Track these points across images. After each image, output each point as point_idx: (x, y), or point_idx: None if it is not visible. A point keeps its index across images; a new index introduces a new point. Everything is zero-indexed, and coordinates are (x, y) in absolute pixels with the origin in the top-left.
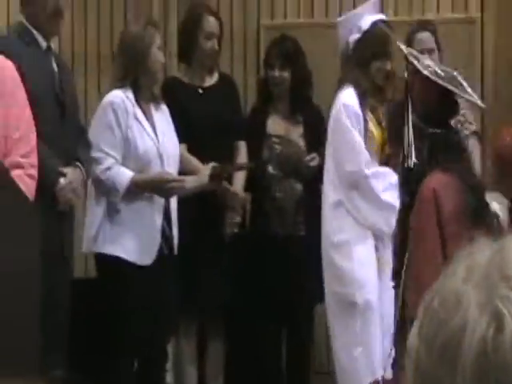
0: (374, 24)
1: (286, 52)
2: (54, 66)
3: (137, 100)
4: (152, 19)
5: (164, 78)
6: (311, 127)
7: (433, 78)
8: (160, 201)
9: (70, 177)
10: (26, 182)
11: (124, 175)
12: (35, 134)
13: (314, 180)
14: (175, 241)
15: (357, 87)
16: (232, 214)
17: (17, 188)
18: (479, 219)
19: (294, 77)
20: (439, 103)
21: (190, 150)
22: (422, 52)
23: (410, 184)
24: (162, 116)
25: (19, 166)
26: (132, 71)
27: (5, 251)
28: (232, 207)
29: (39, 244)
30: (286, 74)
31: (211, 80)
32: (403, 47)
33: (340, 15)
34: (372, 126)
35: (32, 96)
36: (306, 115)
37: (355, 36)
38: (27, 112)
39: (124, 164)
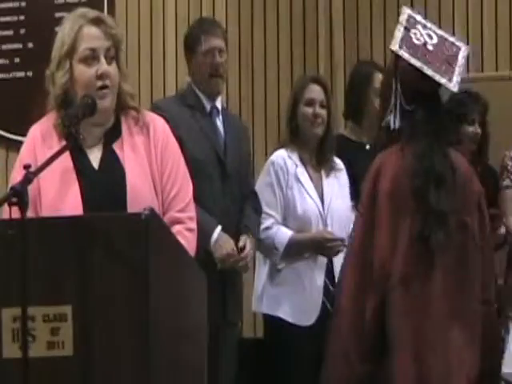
0: None
1: (484, 108)
2: (220, 126)
3: (302, 160)
4: (318, 77)
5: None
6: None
7: (412, 60)
8: (323, 260)
9: (247, 248)
10: (186, 236)
11: (283, 234)
12: (191, 187)
13: None
14: None
15: None
16: None
17: (178, 244)
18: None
19: (483, 134)
20: (419, 82)
21: None
22: None
23: None
24: (335, 178)
25: (178, 222)
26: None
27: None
28: None
29: (205, 304)
30: (480, 131)
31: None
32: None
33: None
34: None
35: (191, 158)
36: (482, 169)
37: None
38: (182, 168)
39: (284, 224)
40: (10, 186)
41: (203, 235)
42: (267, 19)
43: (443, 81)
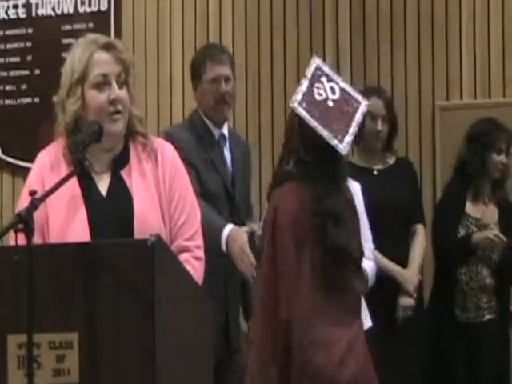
0: None
1: (510, 139)
2: (227, 156)
3: None
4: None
5: None
6: (506, 212)
7: (308, 119)
8: None
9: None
10: (193, 264)
11: None
12: (199, 216)
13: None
14: None
15: None
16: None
17: (185, 272)
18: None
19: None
20: (316, 137)
21: None
22: None
23: None
24: None
25: (186, 250)
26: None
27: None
28: (406, 291)
29: (212, 333)
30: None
31: (386, 163)
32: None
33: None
34: None
35: (206, 191)
36: (501, 199)
37: None
38: (190, 196)
39: None
40: (16, 212)
41: (213, 235)
42: (274, 46)
43: (334, 142)
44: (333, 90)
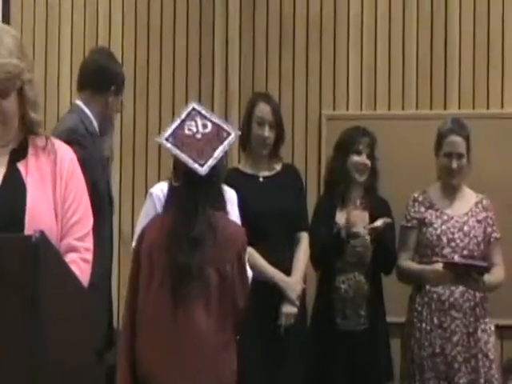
0: None
1: (373, 143)
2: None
3: None
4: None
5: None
6: (377, 216)
7: (171, 149)
8: None
9: None
10: (80, 265)
11: None
12: (92, 221)
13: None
14: None
15: None
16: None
17: (69, 271)
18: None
19: (373, 168)
20: (182, 165)
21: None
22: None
23: None
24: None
25: (74, 250)
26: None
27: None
28: (288, 299)
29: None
30: (369, 162)
31: (273, 169)
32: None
33: (403, 108)
34: None
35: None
36: (373, 207)
37: None
38: (85, 200)
39: None
40: None
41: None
42: (163, 47)
43: (194, 166)
44: (205, 126)
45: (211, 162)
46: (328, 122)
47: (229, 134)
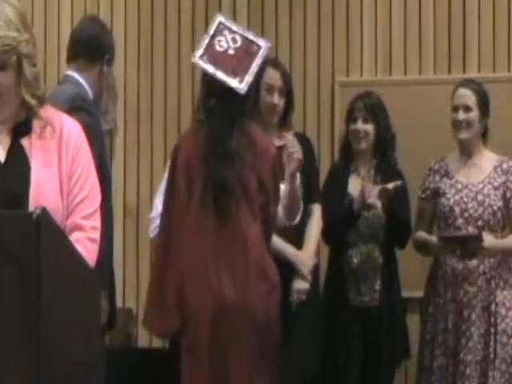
0: None
1: (371, 105)
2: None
3: None
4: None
5: None
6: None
7: (206, 68)
8: None
9: None
10: (85, 244)
11: None
12: (99, 198)
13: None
14: None
15: None
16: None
17: (74, 251)
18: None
19: (378, 132)
20: (216, 83)
21: None
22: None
23: None
24: None
25: (80, 229)
26: None
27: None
28: (300, 273)
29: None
30: (370, 128)
31: (283, 138)
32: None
33: (420, 72)
34: None
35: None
36: (387, 179)
37: None
38: (92, 176)
39: None
40: None
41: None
42: (168, 12)
43: (234, 85)
44: (234, 40)
45: (248, 79)
46: (341, 88)
47: (259, 48)
